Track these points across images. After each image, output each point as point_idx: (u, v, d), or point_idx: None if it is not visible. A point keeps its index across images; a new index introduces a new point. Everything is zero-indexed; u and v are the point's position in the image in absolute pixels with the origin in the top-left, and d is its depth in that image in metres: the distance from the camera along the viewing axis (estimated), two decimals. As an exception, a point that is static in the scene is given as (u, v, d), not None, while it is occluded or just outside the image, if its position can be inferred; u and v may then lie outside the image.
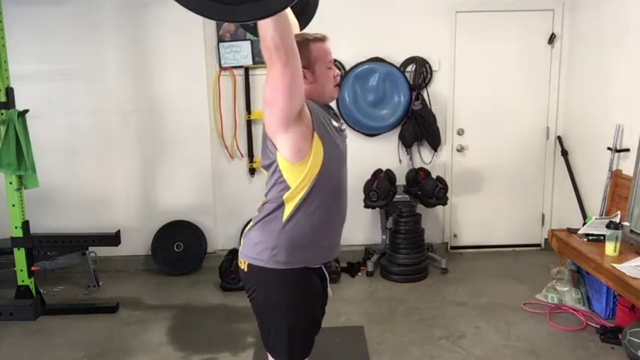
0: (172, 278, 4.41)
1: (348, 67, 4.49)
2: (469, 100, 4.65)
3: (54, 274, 4.34)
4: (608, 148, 3.84)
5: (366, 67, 4.45)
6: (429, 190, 4.22)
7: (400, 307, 3.74)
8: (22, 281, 3.68)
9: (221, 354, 3.14)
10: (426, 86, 4.55)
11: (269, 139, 1.72)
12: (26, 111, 3.55)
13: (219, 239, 4.72)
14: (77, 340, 3.36)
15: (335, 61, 4.45)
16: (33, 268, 3.75)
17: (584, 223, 3.65)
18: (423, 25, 4.52)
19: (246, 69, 4.47)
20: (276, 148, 1.70)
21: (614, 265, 3.01)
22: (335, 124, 1.85)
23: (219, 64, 4.47)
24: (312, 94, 1.76)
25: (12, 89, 3.53)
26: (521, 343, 3.19)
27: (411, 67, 4.53)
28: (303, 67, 1.62)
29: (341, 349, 3.15)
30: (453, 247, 4.90)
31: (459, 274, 4.34)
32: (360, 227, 4.74)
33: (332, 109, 1.94)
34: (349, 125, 4.53)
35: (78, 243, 3.98)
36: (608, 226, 3.25)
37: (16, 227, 3.63)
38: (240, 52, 4.43)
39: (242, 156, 4.63)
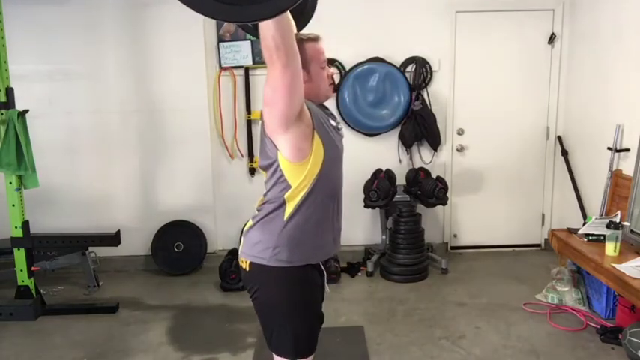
0: (172, 278, 4.41)
1: (348, 67, 4.49)
2: (469, 100, 4.66)
3: (54, 274, 4.34)
4: (608, 148, 3.84)
5: (366, 67, 4.45)
6: (429, 190, 4.22)
7: (400, 307, 3.74)
8: (22, 281, 3.68)
9: (221, 354, 3.14)
10: (426, 86, 4.55)
11: (268, 139, 1.72)
12: (26, 111, 3.55)
13: (219, 239, 4.72)
14: (77, 340, 3.36)
15: (335, 61, 4.53)
16: (33, 268, 3.75)
17: (584, 223, 3.65)
18: (422, 25, 4.52)
19: (246, 69, 4.47)
20: (277, 149, 1.71)
21: (614, 265, 3.01)
22: (333, 123, 1.86)
23: (219, 64, 4.47)
24: (308, 94, 1.77)
25: (12, 89, 3.53)
26: (521, 343, 3.19)
27: (411, 67, 4.53)
28: None
29: (341, 349, 3.15)
30: (453, 247, 4.90)
31: (459, 274, 4.34)
32: (360, 227, 4.74)
33: (328, 108, 1.95)
34: (349, 125, 4.54)
35: (78, 243, 3.99)
36: (608, 226, 3.25)
37: (16, 227, 3.63)
38: (240, 52, 4.43)
39: (242, 156, 4.64)
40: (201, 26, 4.37)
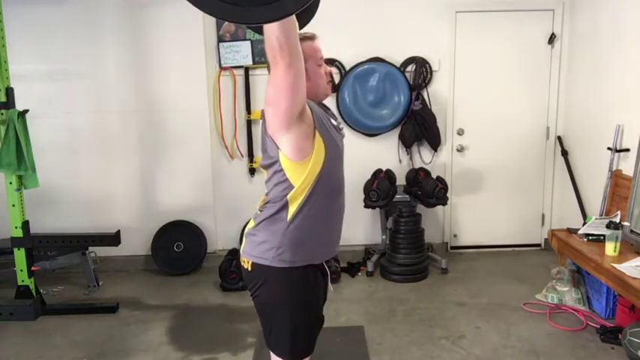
0: (172, 278, 4.41)
1: (348, 67, 4.49)
2: (469, 100, 4.66)
3: (54, 274, 4.34)
4: (608, 148, 3.84)
5: (366, 67, 4.45)
6: (429, 190, 4.22)
7: (400, 307, 3.74)
8: (22, 281, 3.68)
9: (221, 354, 3.14)
10: (426, 86, 4.55)
11: (270, 138, 1.72)
12: (26, 111, 3.55)
13: (219, 239, 4.72)
14: (77, 340, 3.36)
15: (335, 61, 4.52)
16: (33, 268, 3.75)
17: (584, 223, 3.65)
18: (423, 25, 4.52)
19: (246, 69, 4.47)
20: (278, 148, 1.71)
21: (614, 265, 3.01)
22: (334, 123, 1.87)
23: (219, 64, 4.47)
24: (307, 93, 1.77)
25: (12, 89, 3.53)
26: (521, 343, 3.19)
27: (411, 67, 4.53)
28: None
29: (341, 349, 3.15)
30: (453, 247, 4.90)
31: (459, 274, 4.34)
32: (360, 227, 4.75)
33: (329, 108, 1.96)
34: (349, 125, 4.54)
35: (78, 243, 3.98)
36: (608, 226, 3.25)
37: (16, 227, 3.63)
38: (240, 52, 4.43)
39: (242, 156, 4.63)
40: (201, 26, 4.37)
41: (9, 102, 3.49)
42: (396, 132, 4.60)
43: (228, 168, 4.65)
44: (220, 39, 4.44)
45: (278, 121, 1.64)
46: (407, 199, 4.39)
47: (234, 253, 4.24)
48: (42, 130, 4.12)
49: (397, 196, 4.36)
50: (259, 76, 4.48)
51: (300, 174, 1.73)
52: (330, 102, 4.46)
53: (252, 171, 4.63)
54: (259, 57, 4.41)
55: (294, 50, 1.50)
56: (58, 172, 4.42)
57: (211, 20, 4.35)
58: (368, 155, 4.54)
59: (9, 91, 3.50)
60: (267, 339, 1.91)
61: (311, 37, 1.86)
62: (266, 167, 1.82)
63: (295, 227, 1.77)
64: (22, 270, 3.68)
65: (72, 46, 4.36)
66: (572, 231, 3.68)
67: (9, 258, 3.80)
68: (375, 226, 4.74)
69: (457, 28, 4.55)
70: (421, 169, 4.49)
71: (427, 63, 4.52)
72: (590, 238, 3.46)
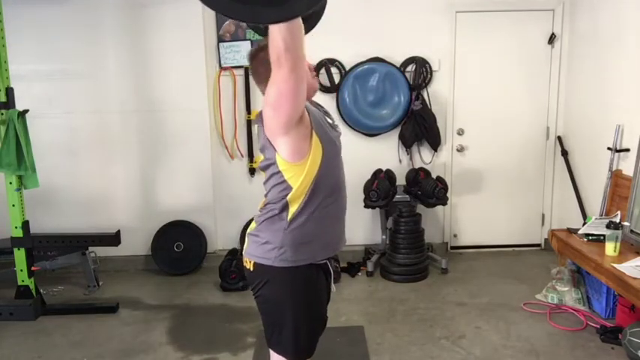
0: (172, 278, 4.41)
1: (348, 67, 4.49)
2: (469, 100, 4.65)
3: (54, 274, 4.34)
4: (608, 148, 3.84)
5: (366, 67, 4.45)
6: (429, 190, 4.22)
7: (400, 307, 3.74)
8: (22, 281, 3.68)
9: (221, 354, 3.14)
10: (426, 86, 4.55)
11: (267, 139, 1.72)
12: (26, 111, 3.55)
13: (219, 239, 4.72)
14: (77, 340, 3.36)
15: (335, 61, 4.52)
16: (33, 268, 3.74)
17: (584, 223, 3.65)
18: (422, 25, 4.52)
19: (246, 69, 4.46)
20: (275, 150, 1.71)
21: (614, 265, 3.01)
22: (329, 120, 1.87)
23: (219, 64, 4.47)
24: None
25: (12, 89, 3.53)
26: (521, 343, 3.19)
27: (411, 67, 4.53)
28: None
29: (341, 349, 3.15)
30: (453, 247, 4.90)
31: (459, 274, 4.34)
32: (360, 227, 4.74)
33: (322, 106, 1.95)
34: (349, 125, 4.54)
35: (78, 243, 3.99)
36: (608, 226, 3.25)
37: (16, 227, 3.63)
38: (240, 52, 4.43)
39: (242, 156, 4.63)
40: (201, 26, 4.37)
41: (9, 102, 3.49)
42: (396, 132, 4.60)
43: (228, 168, 4.65)
44: (220, 39, 4.44)
45: (278, 123, 1.64)
46: (407, 199, 4.39)
47: (234, 253, 4.24)
48: (42, 130, 4.12)
49: (397, 196, 4.36)
50: (259, 76, 4.47)
51: (298, 175, 1.73)
52: (330, 102, 4.46)
53: (252, 171, 4.63)
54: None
55: (299, 53, 1.49)
56: (58, 172, 4.42)
57: (211, 20, 4.35)
58: (368, 155, 4.54)
59: (9, 91, 3.50)
60: (268, 339, 1.91)
61: None
62: (263, 169, 1.82)
63: (296, 227, 1.78)
64: (22, 270, 3.68)
65: (72, 46, 4.36)
66: (572, 231, 3.68)
67: (9, 258, 3.80)
68: (375, 226, 4.74)
69: (457, 28, 4.55)
70: (421, 169, 4.49)
71: (427, 63, 4.52)
72: (590, 238, 3.46)
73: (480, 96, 4.65)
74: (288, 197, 1.75)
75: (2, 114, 3.47)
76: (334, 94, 4.51)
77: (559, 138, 4.69)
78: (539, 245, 4.92)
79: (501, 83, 4.65)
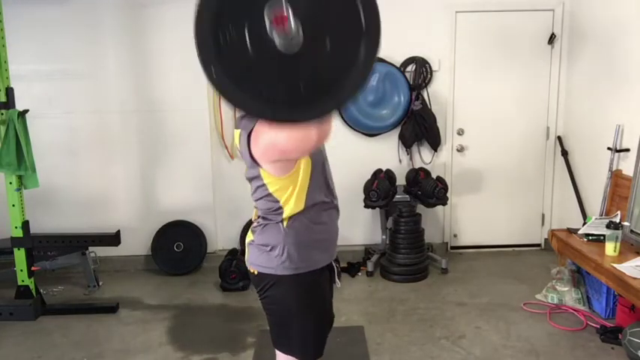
0: (172, 278, 4.41)
1: (348, 67, 4.48)
2: (469, 100, 4.65)
3: (54, 274, 4.34)
4: (608, 148, 3.84)
5: (366, 67, 4.43)
6: (429, 190, 4.22)
7: (400, 307, 3.74)
8: (22, 281, 3.68)
9: (221, 354, 3.14)
10: (426, 86, 4.55)
11: (250, 157, 1.68)
12: (26, 111, 3.55)
13: (219, 239, 4.72)
14: (77, 340, 3.36)
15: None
16: (33, 268, 3.75)
17: (584, 223, 3.65)
18: (422, 25, 4.52)
19: (246, 69, 4.46)
20: (259, 166, 1.68)
21: (614, 265, 3.01)
22: None
23: (220, 64, 4.46)
24: None
25: (12, 89, 3.53)
26: (521, 343, 3.19)
27: (411, 67, 4.53)
28: None
29: (341, 349, 3.15)
30: (453, 247, 4.90)
31: (459, 274, 4.34)
32: (360, 227, 4.74)
33: None
34: (349, 125, 4.54)
35: (78, 243, 3.99)
36: (608, 226, 3.25)
37: (16, 227, 3.63)
38: (240, 52, 4.42)
39: (242, 156, 4.62)
40: (201, 26, 4.36)
41: (9, 102, 3.49)
42: (396, 132, 4.59)
43: (228, 168, 4.65)
44: (220, 39, 4.43)
45: (265, 161, 1.64)
46: (407, 199, 4.39)
47: (234, 253, 4.24)
48: (42, 130, 4.12)
49: (397, 196, 4.36)
50: (259, 76, 4.46)
51: (285, 187, 1.71)
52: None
53: (252, 171, 4.62)
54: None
55: (295, 157, 1.56)
56: (58, 172, 4.42)
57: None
58: (368, 155, 4.54)
59: (9, 91, 3.50)
60: (275, 339, 1.90)
61: None
62: (249, 180, 1.81)
63: (293, 234, 1.76)
64: (22, 270, 3.68)
65: (72, 46, 4.36)
66: (572, 231, 3.68)
67: (9, 258, 3.80)
68: (375, 226, 4.74)
69: (457, 28, 4.55)
70: (421, 169, 4.49)
71: (427, 63, 4.52)
72: (590, 238, 3.46)
73: (480, 96, 4.65)
74: (280, 207, 1.74)
75: (2, 114, 3.47)
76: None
77: (559, 138, 4.69)
78: (539, 245, 4.92)
79: (501, 83, 4.64)
